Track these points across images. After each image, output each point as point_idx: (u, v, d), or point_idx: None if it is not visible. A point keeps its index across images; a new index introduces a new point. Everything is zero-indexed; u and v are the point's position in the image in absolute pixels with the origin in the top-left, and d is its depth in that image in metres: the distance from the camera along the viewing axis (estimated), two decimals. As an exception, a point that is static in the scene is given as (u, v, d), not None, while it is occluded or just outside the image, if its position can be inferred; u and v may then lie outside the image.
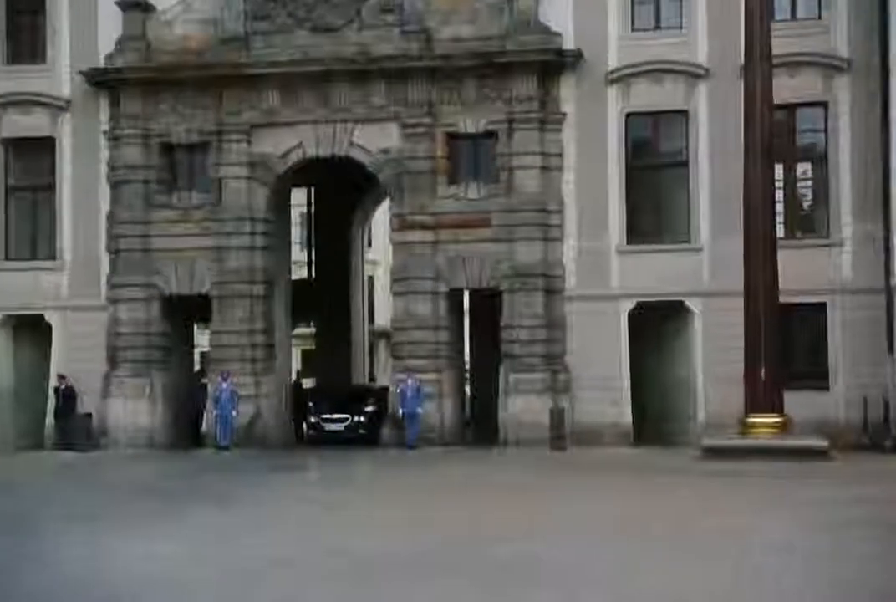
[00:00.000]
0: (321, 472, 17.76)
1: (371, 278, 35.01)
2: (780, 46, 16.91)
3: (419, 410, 18.95)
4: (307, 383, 26.86)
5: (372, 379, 31.75)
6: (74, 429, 19.65)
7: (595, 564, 7.53)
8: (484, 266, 19.40)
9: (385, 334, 31.00)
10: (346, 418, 21.52)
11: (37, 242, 21.08)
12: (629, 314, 19.18)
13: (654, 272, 19.02)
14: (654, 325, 19.33)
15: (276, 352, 20.56)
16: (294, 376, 24.03)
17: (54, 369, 20.21)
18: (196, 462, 18.43)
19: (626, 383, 19.15)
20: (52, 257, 20.77)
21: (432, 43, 19.30)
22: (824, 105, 18.77)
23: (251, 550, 8.32)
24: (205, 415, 20.50)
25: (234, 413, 19.30)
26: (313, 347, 30.21)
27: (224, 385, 19.41)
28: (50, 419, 20.02)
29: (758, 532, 8.88)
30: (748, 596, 6.53)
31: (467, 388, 23.08)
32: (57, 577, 7.27)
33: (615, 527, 9.25)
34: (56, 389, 20.00)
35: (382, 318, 34.96)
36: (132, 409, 19.86)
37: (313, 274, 28.33)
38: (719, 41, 18.57)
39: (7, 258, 20.99)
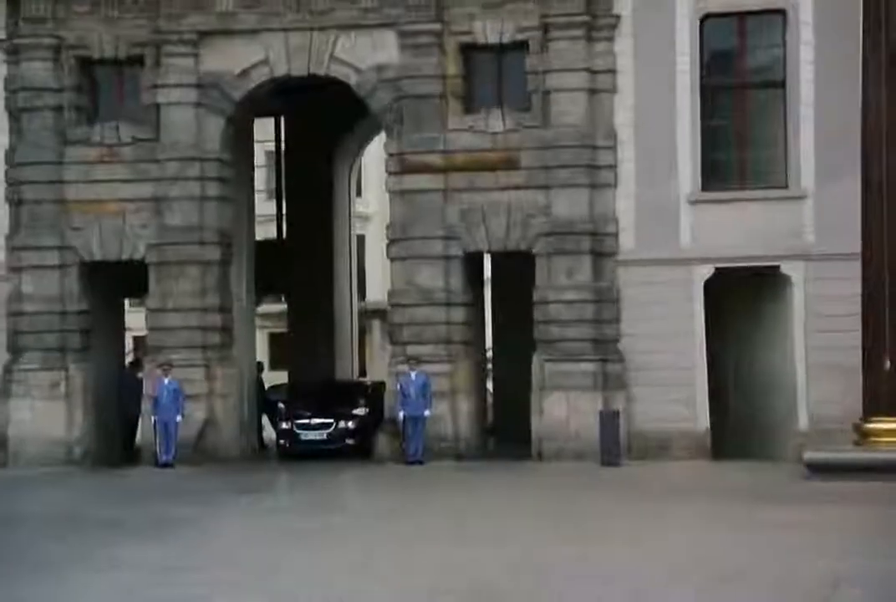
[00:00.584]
0: (293, 496, 17.45)
1: (361, 239, 34.90)
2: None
3: (426, 413, 18.79)
4: (277, 378, 27.23)
5: (363, 372, 32.08)
6: None
7: None
8: (511, 221, 19.31)
9: (380, 313, 31.04)
10: (329, 424, 21.11)
11: None
12: (705, 284, 19.04)
13: (739, 228, 18.87)
14: (739, 298, 19.51)
15: (234, 336, 20.49)
16: (259, 369, 24.04)
17: None
18: (128, 484, 18.48)
19: (702, 376, 18.99)
20: None
21: None
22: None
23: None
24: (140, 421, 20.58)
25: (178, 418, 19.25)
26: (285, 330, 30.46)
27: (165, 381, 19.35)
28: None
29: None
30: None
31: (489, 384, 23.24)
32: None
33: (724, 576, 8.80)
34: None
35: (377, 292, 35.13)
36: (42, 413, 19.67)
37: (284, 233, 28.58)
38: None
39: None
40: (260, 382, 23.72)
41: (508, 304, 22.41)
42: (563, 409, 18.80)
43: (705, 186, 19.24)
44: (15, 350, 19.92)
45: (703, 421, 18.86)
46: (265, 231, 27.33)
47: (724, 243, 18.81)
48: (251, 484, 17.63)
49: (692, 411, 18.85)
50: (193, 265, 19.84)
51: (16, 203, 19.93)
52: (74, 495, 16.52)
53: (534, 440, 19.00)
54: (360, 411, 21.62)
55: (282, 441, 21.58)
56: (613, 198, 19.19)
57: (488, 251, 20.18)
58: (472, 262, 20.23)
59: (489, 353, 23.70)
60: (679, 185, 19.17)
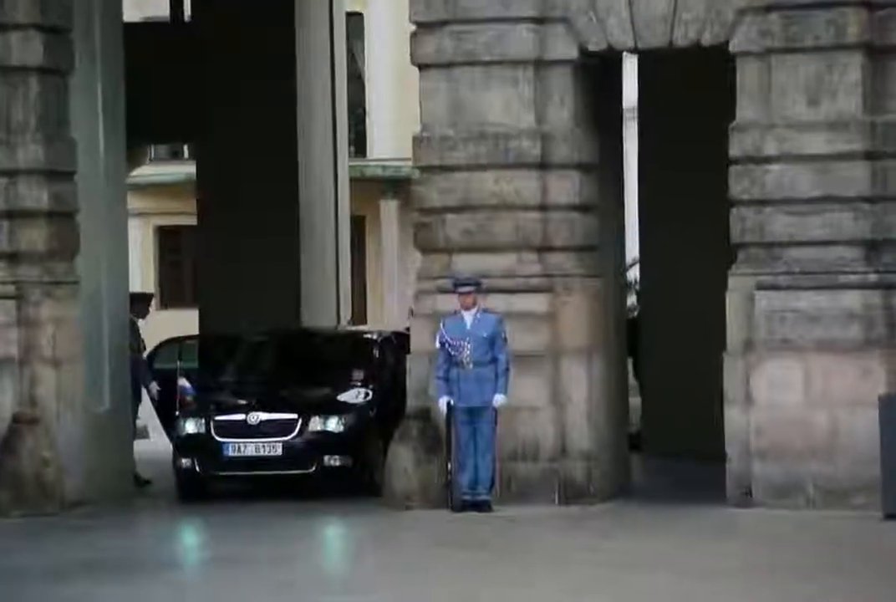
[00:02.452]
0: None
1: (357, 19, 35.45)
2: None
3: (499, 400, 17.07)
4: (173, 324, 27.59)
5: (360, 314, 31.77)
6: None
7: None
8: None
9: (397, 185, 31.58)
10: (289, 424, 19.46)
11: None
12: None
13: None
14: None
15: (81, 233, 18.85)
16: (142, 303, 23.26)
17: None
18: None
19: None
20: None
21: None
22: None
23: None
24: None
25: None
26: (190, 221, 31.23)
27: None
28: None
29: None
30: None
31: (628, 335, 21.78)
32: None
33: None
34: None
35: (389, 141, 35.56)
36: None
37: (187, 5, 29.45)
38: None
39: None
40: (136, 333, 22.71)
41: (677, 168, 22.30)
42: (799, 393, 16.83)
43: None
44: None
45: None
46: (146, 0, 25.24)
47: None
48: (113, 557, 15.20)
49: None
50: None
51: None
52: None
53: (732, 460, 16.98)
54: (354, 397, 20.27)
55: (186, 461, 19.79)
56: None
57: (634, 49, 18.27)
58: (599, 76, 18.38)
59: (632, 273, 23.95)
60: None
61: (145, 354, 24.03)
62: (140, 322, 23.30)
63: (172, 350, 24.38)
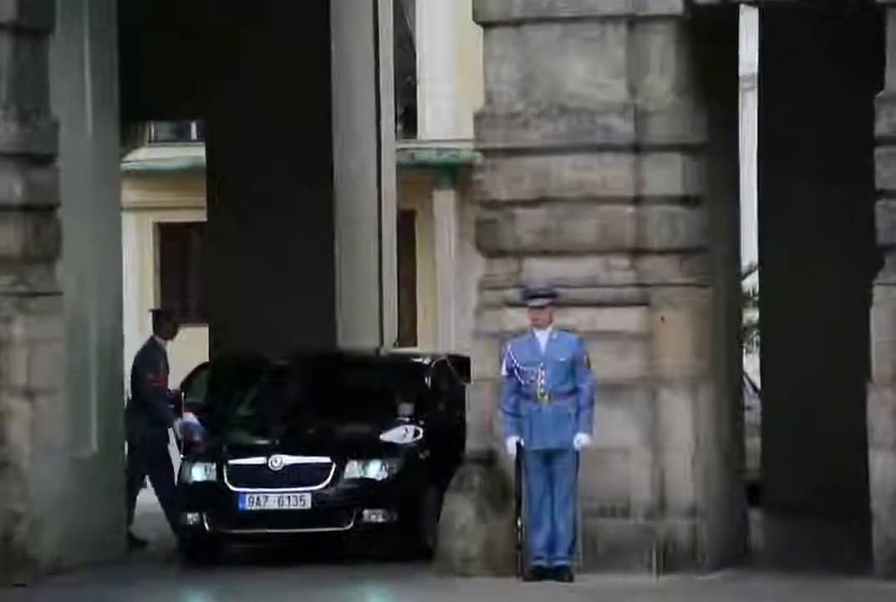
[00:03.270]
0: None
1: None
2: None
3: (582, 440, 16.79)
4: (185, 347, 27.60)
5: (411, 333, 32.22)
6: None
7: None
8: None
9: (455, 171, 33.00)
10: (323, 470, 19.28)
11: None
12: None
13: None
14: None
15: (63, 232, 18.74)
16: (134, 320, 23.53)
17: None
18: None
19: None
20: None
21: None
22: None
23: None
24: None
25: None
26: (199, 217, 31.78)
27: None
28: None
29: None
30: None
31: (750, 363, 23.06)
32: None
33: None
34: None
35: (445, 118, 36.20)
36: None
37: None
38: None
39: None
40: (163, 358, 23.02)
41: (806, 145, 22.58)
42: None
43: None
44: None
45: None
46: None
47: None
48: None
49: None
50: None
51: None
52: None
53: (880, 518, 16.51)
54: (400, 436, 20.10)
55: (192, 515, 19.59)
56: None
57: (755, 1, 18.63)
58: (709, 33, 18.08)
59: (750, 281, 23.78)
60: None
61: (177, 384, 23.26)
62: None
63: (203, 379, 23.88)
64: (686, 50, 17.90)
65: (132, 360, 23.28)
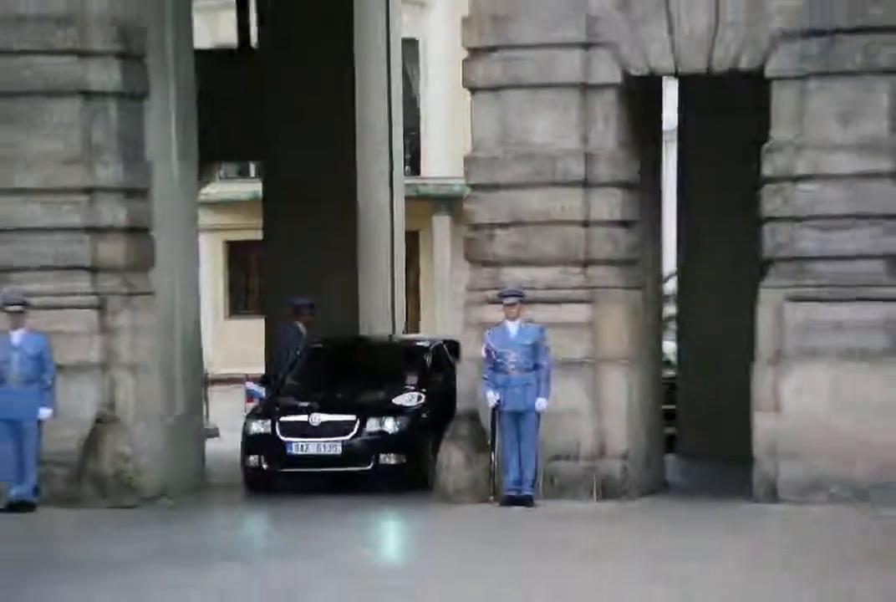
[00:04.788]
0: (266, 577, 13.72)
1: (411, 46, 34.61)
2: None
3: (541, 404, 17.10)
4: (239, 330, 27.44)
5: (413, 323, 31.80)
6: None
7: None
8: (724, 6, 17.59)
9: (449, 203, 32.10)
10: (349, 425, 19.44)
11: None
12: None
13: None
14: None
15: (156, 247, 18.82)
16: (209, 313, 23.72)
17: None
18: None
19: None
20: None
21: None
22: None
23: None
24: None
25: (43, 413, 17.33)
26: (257, 236, 30.81)
27: (16, 337, 17.30)
28: None
29: None
30: None
31: (668, 345, 22.47)
32: None
33: None
34: None
35: (441, 158, 35.39)
36: None
37: (254, 34, 28.80)
38: None
39: None
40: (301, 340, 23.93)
41: (712, 186, 22.06)
42: (825, 398, 16.75)
43: None
44: None
45: None
46: (216, 30, 25.90)
47: None
48: (188, 545, 15.43)
49: None
50: (65, 99, 17.73)
51: None
52: None
53: (759, 460, 17.03)
54: (408, 400, 20.18)
55: (253, 458, 19.84)
56: None
57: (674, 74, 18.26)
58: (640, 98, 18.35)
59: (669, 284, 23.59)
60: None
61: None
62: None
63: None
64: (624, 110, 18.10)
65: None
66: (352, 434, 19.36)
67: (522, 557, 14.03)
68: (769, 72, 17.15)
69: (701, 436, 21.86)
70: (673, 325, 24.23)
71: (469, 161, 18.17)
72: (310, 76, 26.95)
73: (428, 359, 21.57)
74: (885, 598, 11.33)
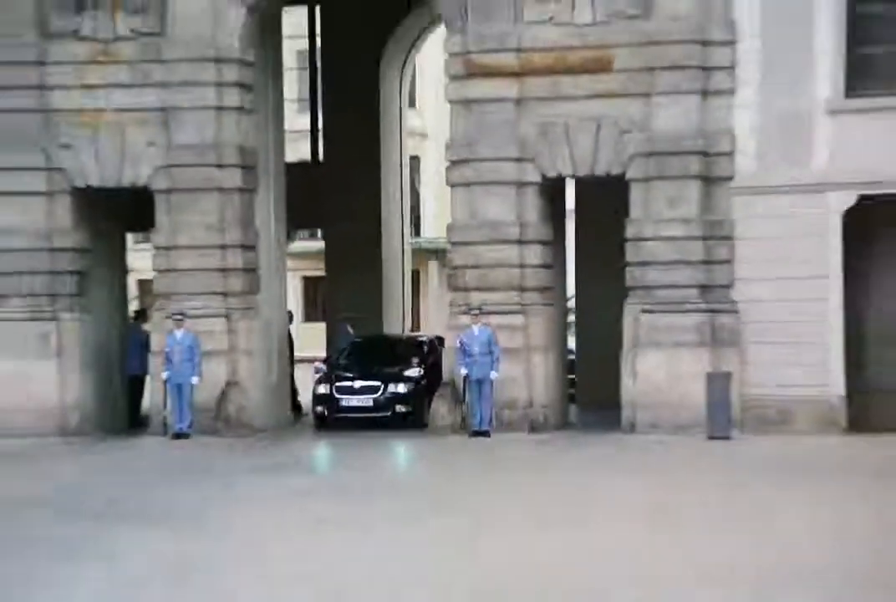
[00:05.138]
0: (330, 477, 17.37)
1: (415, 160, 34.77)
2: None
3: (493, 374, 18.76)
4: (310, 332, 28.28)
5: (417, 326, 32.61)
6: None
7: None
8: (600, 139, 19.04)
9: (438, 253, 33.24)
10: (377, 388, 21.25)
11: None
12: (845, 216, 18.58)
13: (892, 145, 18.32)
14: (887, 234, 19.04)
15: (260, 280, 20.50)
16: (292, 320, 24.32)
17: None
18: (133, 459, 18.24)
19: (837, 332, 18.67)
20: None
21: None
22: None
23: None
24: (148, 382, 20.69)
25: (194, 379, 19.22)
26: (321, 273, 30.69)
27: (178, 335, 19.21)
28: None
29: None
30: None
31: (571, 340, 23.37)
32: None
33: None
34: None
35: (434, 227, 36.88)
36: (27, 374, 19.43)
37: (321, 153, 28.67)
38: None
39: None
40: (290, 337, 23.97)
41: (596, 242, 22.56)
42: (662, 372, 18.63)
43: (849, 92, 18.71)
44: None
45: (837, 386, 18.49)
46: (297, 150, 27.18)
47: (870, 164, 18.27)
48: (281, 460, 17.70)
49: (822, 375, 18.54)
50: (210, 193, 19.63)
51: None
52: (68, 473, 16.45)
53: (625, 408, 18.93)
54: (413, 373, 21.80)
55: (319, 408, 21.62)
56: (730, 108, 18.76)
57: (572, 176, 19.85)
58: (552, 191, 19.96)
59: (571, 303, 23.91)
60: (815, 91, 18.68)
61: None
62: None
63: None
64: (543, 198, 19.55)
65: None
66: (378, 393, 21.21)
67: (482, 463, 16.82)
68: (628, 176, 18.98)
69: (590, 394, 22.40)
70: (573, 328, 24.69)
71: (450, 228, 20.01)
72: (353, 175, 27.59)
73: (425, 348, 23.29)
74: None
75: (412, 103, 33.53)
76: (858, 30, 18.59)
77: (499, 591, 8.86)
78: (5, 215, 19.60)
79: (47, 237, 19.54)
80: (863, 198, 18.18)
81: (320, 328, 28.55)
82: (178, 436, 18.98)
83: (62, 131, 19.54)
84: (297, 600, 8.58)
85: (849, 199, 18.27)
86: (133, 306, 24.62)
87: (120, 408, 21.20)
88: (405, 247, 30.37)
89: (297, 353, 24.94)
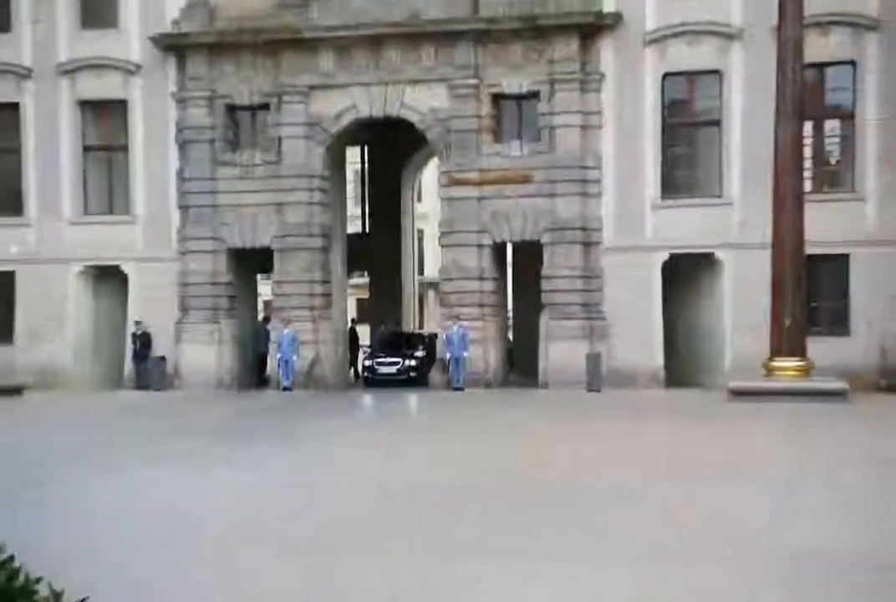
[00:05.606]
0: (373, 413, 17.45)
1: (420, 231, 33.96)
2: (811, 6, 16.47)
3: (465, 354, 18.72)
4: (361, 331, 26.39)
5: (421, 326, 31.09)
6: (150, 371, 19.52)
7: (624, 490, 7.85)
8: (526, 220, 18.93)
9: (433, 284, 30.31)
10: (398, 362, 21.06)
11: (112, 199, 20.68)
12: (662, 265, 18.71)
13: (687, 225, 18.46)
14: (686, 275, 18.84)
15: (332, 300, 20.24)
16: (349, 323, 23.56)
17: (131, 317, 20.05)
18: (260, 402, 17.84)
19: (659, 330, 18.67)
20: (127, 213, 20.47)
21: (478, 6, 18.78)
22: (853, 64, 18.12)
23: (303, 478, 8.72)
24: (269, 359, 20.14)
25: (294, 357, 19.01)
26: (367, 296, 29.62)
27: (286, 331, 19.09)
28: (128, 362, 19.87)
29: (781, 465, 9.21)
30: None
31: (510, 334, 22.54)
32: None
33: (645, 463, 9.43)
34: (133, 335, 19.88)
35: (431, 269, 34.79)
36: (201, 353, 19.56)
37: (367, 228, 27.81)
38: (753, 2, 18.08)
39: (86, 213, 20.71)
40: (354, 332, 23.26)
41: (523, 279, 21.58)
42: (562, 353, 18.40)
43: (664, 195, 18.88)
44: (183, 310, 20.02)
45: (659, 361, 18.59)
46: (353, 226, 26.42)
47: (676, 236, 18.45)
48: (343, 403, 17.47)
49: (651, 354, 18.49)
50: (304, 251, 19.49)
51: (183, 207, 20.11)
52: (223, 410, 16.25)
53: (541, 374, 18.69)
54: (419, 354, 21.43)
55: (365, 373, 21.48)
56: (599, 203, 18.77)
57: (510, 241, 19.51)
58: (499, 249, 19.66)
59: (510, 313, 22.94)
60: (645, 194, 18.82)
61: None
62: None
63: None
64: (495, 255, 19.25)
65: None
66: (399, 365, 21.13)
67: (459, 404, 16.82)
68: (542, 242, 18.92)
69: (521, 366, 21.09)
70: (511, 328, 23.07)
71: (441, 271, 19.78)
72: (386, 241, 26.79)
73: (426, 339, 22.65)
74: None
75: (419, 199, 31.61)
76: (668, 160, 19.16)
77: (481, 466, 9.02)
78: (191, 263, 19.73)
79: (213, 276, 19.88)
80: (671, 255, 18.64)
81: (366, 329, 27.40)
82: (285, 389, 18.86)
83: (223, 216, 19.87)
84: (344, 483, 8.31)
85: (664, 256, 18.66)
86: (261, 315, 23.63)
87: (252, 372, 20.87)
88: (415, 281, 29.07)
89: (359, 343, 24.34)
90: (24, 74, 20.12)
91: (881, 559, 5.46)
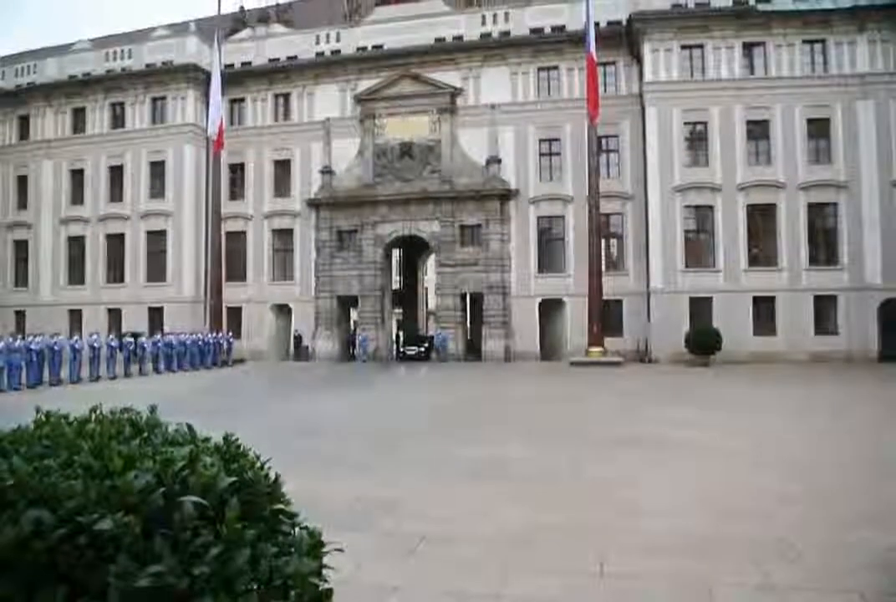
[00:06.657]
0: (405, 373, 15.51)
1: (426, 288, 27.83)
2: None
3: (448, 345, 18.37)
4: (399, 333, 22.36)
5: (426, 331, 25.21)
6: (301, 352, 19.14)
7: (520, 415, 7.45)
8: (476, 283, 18.58)
9: (432, 312, 23.71)
10: (415, 349, 19.78)
11: (285, 273, 20.23)
12: (539, 304, 18.23)
13: (550, 285, 18.20)
14: (549, 309, 18.27)
15: (385, 319, 19.61)
16: (395, 330, 21.82)
17: (293, 328, 19.71)
18: (351, 368, 16.83)
19: (537, 334, 18.35)
20: (291, 279, 20.13)
21: (453, 185, 18.55)
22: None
23: (360, 404, 8.28)
24: (357, 347, 19.46)
25: (367, 343, 18.67)
26: (402, 318, 25.36)
27: (363, 335, 18.95)
28: (291, 348, 19.58)
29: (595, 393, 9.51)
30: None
31: (468, 336, 20.34)
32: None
33: (522, 398, 9.14)
34: (294, 336, 19.53)
35: (432, 305, 24.64)
36: (325, 345, 19.35)
37: (402, 286, 24.64)
38: (581, 182, 17.55)
39: (272, 280, 20.07)
40: (396, 335, 21.37)
41: (474, 310, 19.90)
42: (494, 345, 18.19)
43: (539, 271, 18.53)
44: (317, 325, 19.60)
45: (537, 348, 18.24)
46: (396, 286, 22.64)
47: (545, 291, 18.22)
48: (390, 369, 16.22)
49: (533, 345, 18.03)
50: (373, 297, 19.25)
51: (318, 276, 19.33)
52: (335, 369, 15.70)
53: (483, 355, 18.29)
54: (426, 345, 19.96)
55: (399, 354, 19.95)
56: (510, 275, 18.51)
57: (469, 293, 18.87)
58: (462, 297, 19.06)
59: (469, 326, 20.31)
60: (530, 270, 18.46)
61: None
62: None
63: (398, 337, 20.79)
64: (461, 300, 18.55)
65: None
66: (416, 350, 19.57)
67: (446, 369, 15.67)
68: (483, 293, 17.78)
69: (475, 351, 19.16)
70: (468, 332, 19.49)
71: (436, 306, 19.06)
72: (410, 291, 24.23)
73: (430, 337, 20.44)
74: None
75: (426, 272, 25.05)
76: (542, 256, 17.86)
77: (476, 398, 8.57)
78: (320, 304, 19.22)
79: (330, 310, 19.39)
80: (543, 299, 18.03)
81: (401, 333, 21.72)
82: (364, 361, 18.16)
83: (335, 281, 19.13)
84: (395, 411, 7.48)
85: (539, 300, 18.19)
86: (352, 328, 20.62)
87: (347, 354, 19.72)
88: (425, 311, 25.32)
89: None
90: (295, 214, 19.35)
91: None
